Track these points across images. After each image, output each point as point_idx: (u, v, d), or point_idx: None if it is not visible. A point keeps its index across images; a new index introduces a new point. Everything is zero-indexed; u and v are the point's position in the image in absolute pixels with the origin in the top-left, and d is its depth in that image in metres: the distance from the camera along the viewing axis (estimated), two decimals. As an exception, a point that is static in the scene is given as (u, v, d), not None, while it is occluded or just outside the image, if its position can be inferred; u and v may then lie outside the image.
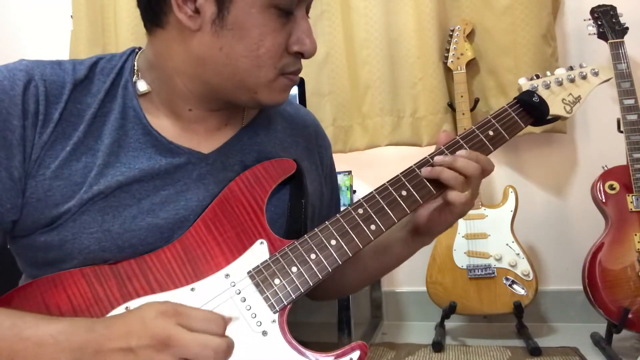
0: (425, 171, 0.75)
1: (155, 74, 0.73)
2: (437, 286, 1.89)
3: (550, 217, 2.09)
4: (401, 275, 2.23)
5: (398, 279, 2.24)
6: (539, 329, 1.98)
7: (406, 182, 0.75)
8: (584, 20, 1.87)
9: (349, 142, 2.18)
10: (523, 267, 1.81)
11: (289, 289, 0.67)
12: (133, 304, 0.64)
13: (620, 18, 1.81)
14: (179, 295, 0.65)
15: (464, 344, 1.86)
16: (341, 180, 1.92)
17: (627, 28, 1.79)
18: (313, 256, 0.69)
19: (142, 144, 0.71)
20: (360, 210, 0.73)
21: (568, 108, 0.85)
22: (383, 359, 1.76)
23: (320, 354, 0.65)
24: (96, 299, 0.64)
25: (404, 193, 0.74)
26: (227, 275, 0.68)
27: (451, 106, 2.04)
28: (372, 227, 0.72)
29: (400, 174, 0.76)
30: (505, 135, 0.81)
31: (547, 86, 0.85)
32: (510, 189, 1.92)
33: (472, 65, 2.05)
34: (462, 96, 1.96)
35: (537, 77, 0.87)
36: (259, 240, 0.70)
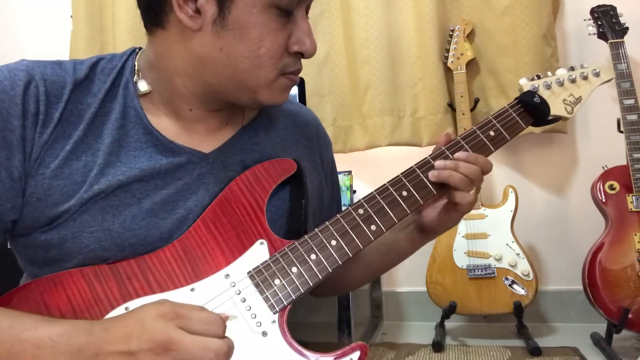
0: (433, 175, 0.76)
1: (155, 74, 0.73)
2: (437, 286, 1.89)
3: (550, 217, 2.09)
4: (401, 275, 2.23)
5: (398, 279, 2.24)
6: (539, 329, 1.98)
7: (407, 183, 0.75)
8: (584, 20, 1.87)
9: (349, 142, 2.18)
10: (523, 267, 1.81)
11: (289, 289, 0.67)
12: (133, 304, 0.64)
13: (620, 18, 1.81)
14: (179, 296, 0.65)
15: (464, 344, 1.86)
16: (341, 180, 1.92)
17: (627, 28, 1.79)
18: (313, 256, 0.69)
19: (143, 143, 0.71)
20: (361, 211, 0.73)
21: (569, 108, 0.85)
22: (383, 359, 1.76)
23: (320, 355, 0.65)
24: (96, 299, 0.64)
25: (404, 193, 0.74)
26: (227, 276, 0.68)
27: (451, 106, 2.04)
28: (373, 227, 0.72)
29: (401, 174, 0.76)
30: (506, 135, 0.81)
31: (548, 87, 0.85)
32: (510, 189, 1.92)
33: (472, 65, 2.05)
34: (462, 96, 1.96)
35: (538, 77, 0.87)
36: (259, 241, 0.70)
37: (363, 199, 0.74)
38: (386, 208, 0.73)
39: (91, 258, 0.66)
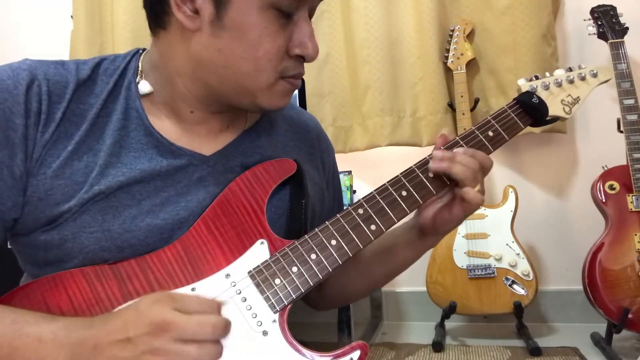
0: (432, 167, 0.75)
1: (158, 75, 0.74)
2: (437, 286, 1.89)
3: (550, 217, 2.09)
4: (401, 275, 2.21)
5: (398, 279, 2.23)
6: (539, 329, 1.98)
7: (406, 183, 0.75)
8: (584, 20, 1.87)
9: (349, 142, 2.18)
10: (523, 267, 1.81)
11: (289, 288, 0.67)
12: (133, 304, 0.64)
13: (620, 18, 1.81)
14: (180, 295, 0.66)
15: (464, 344, 1.86)
16: (341, 180, 1.91)
17: (627, 28, 1.79)
18: (313, 256, 0.69)
19: (144, 144, 0.71)
20: (361, 211, 0.73)
21: (567, 109, 0.86)
22: (383, 359, 1.76)
23: (320, 354, 0.65)
24: (97, 299, 0.64)
25: (404, 193, 0.74)
26: (227, 275, 0.68)
27: (451, 106, 2.04)
28: (373, 227, 0.72)
29: (401, 174, 0.76)
30: (505, 135, 0.81)
31: (547, 87, 0.86)
32: (510, 189, 1.92)
33: (472, 65, 2.05)
34: (462, 96, 1.96)
35: (537, 78, 0.87)
36: (260, 240, 0.71)
37: (363, 199, 0.74)
38: (386, 208, 0.73)
39: (91, 259, 0.66)
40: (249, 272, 0.68)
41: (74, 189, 0.67)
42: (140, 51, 0.78)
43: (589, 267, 1.66)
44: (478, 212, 1.89)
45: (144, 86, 0.73)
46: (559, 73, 0.88)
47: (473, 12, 2.06)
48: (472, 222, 1.89)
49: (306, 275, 0.68)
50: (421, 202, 0.75)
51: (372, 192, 0.74)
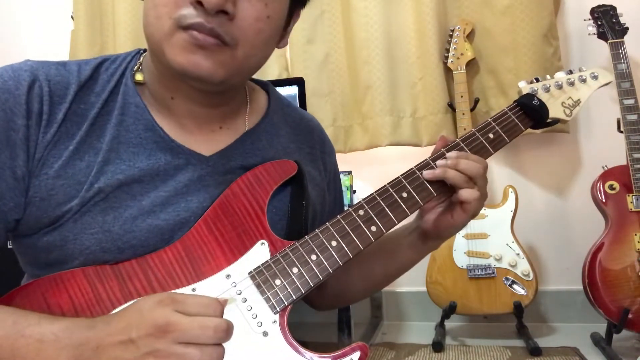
0: (428, 174, 0.75)
1: (149, 65, 0.74)
2: (437, 286, 1.89)
3: (550, 217, 2.09)
4: (401, 276, 2.23)
5: (398, 279, 2.24)
6: (539, 329, 1.98)
7: (407, 184, 0.75)
8: (584, 20, 1.87)
9: (349, 142, 2.18)
10: (523, 267, 1.81)
11: (289, 289, 0.67)
12: (134, 304, 0.64)
13: (620, 18, 1.81)
14: (180, 296, 0.66)
15: (464, 344, 1.86)
16: (341, 180, 1.91)
17: (627, 28, 1.79)
18: (314, 257, 0.69)
19: (143, 139, 0.71)
20: (361, 212, 0.73)
21: (567, 111, 0.86)
22: (383, 359, 1.76)
23: (321, 355, 0.65)
24: (97, 299, 0.64)
25: (404, 195, 0.75)
26: (228, 276, 0.68)
27: (451, 106, 2.04)
28: (373, 228, 0.72)
29: (401, 175, 0.76)
30: (506, 138, 0.81)
31: (547, 89, 0.86)
32: (510, 189, 1.92)
33: (472, 65, 2.05)
34: (462, 96, 1.96)
35: (537, 80, 0.87)
36: (260, 241, 0.71)
37: (363, 200, 0.74)
38: (386, 209, 0.73)
39: (92, 260, 0.66)
40: (249, 273, 0.68)
41: (75, 189, 0.67)
42: (142, 51, 0.78)
43: (589, 267, 1.66)
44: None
45: (138, 76, 0.74)
46: (560, 75, 0.88)
47: (473, 12, 2.07)
48: (472, 222, 1.88)
49: (307, 276, 0.68)
50: (422, 204, 0.75)
51: (372, 194, 0.74)
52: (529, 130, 0.86)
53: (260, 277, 0.68)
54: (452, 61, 2.02)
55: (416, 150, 2.10)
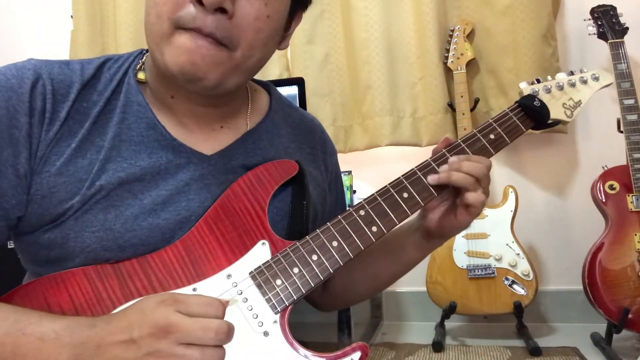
0: (432, 179, 0.75)
1: (151, 66, 0.74)
2: (437, 286, 1.89)
3: (550, 217, 2.09)
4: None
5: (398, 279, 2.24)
6: (539, 329, 1.98)
7: (408, 185, 0.75)
8: (584, 20, 1.87)
9: (349, 142, 2.18)
10: (523, 267, 1.81)
11: (290, 289, 0.67)
12: (135, 304, 0.64)
13: (620, 18, 1.81)
14: (181, 296, 0.66)
15: (464, 344, 1.86)
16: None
17: (627, 28, 1.79)
18: (315, 257, 0.69)
19: (144, 137, 0.71)
20: (362, 212, 0.73)
21: (568, 112, 0.86)
22: (383, 359, 1.76)
23: (321, 355, 0.65)
24: (98, 298, 0.64)
25: (405, 195, 0.75)
26: (229, 276, 0.68)
27: (451, 106, 2.04)
28: (374, 228, 0.72)
29: (402, 176, 0.76)
30: (507, 138, 0.81)
31: (548, 90, 0.86)
32: (510, 189, 1.92)
33: (472, 65, 2.05)
34: (462, 96, 1.96)
35: (538, 81, 0.87)
36: (261, 241, 0.71)
37: (364, 200, 0.74)
38: (387, 210, 0.73)
39: (93, 258, 0.67)
40: (250, 273, 0.68)
41: (77, 187, 0.67)
42: (144, 51, 0.78)
43: (589, 267, 1.66)
44: (478, 212, 1.89)
45: (141, 74, 0.74)
46: (561, 76, 0.88)
47: (473, 12, 2.06)
48: (472, 222, 1.89)
49: (307, 276, 0.68)
50: (422, 204, 0.75)
51: (373, 194, 0.75)
52: (530, 130, 0.86)
53: (261, 277, 0.68)
54: (452, 61, 2.02)
55: (416, 150, 2.10)
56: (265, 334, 0.65)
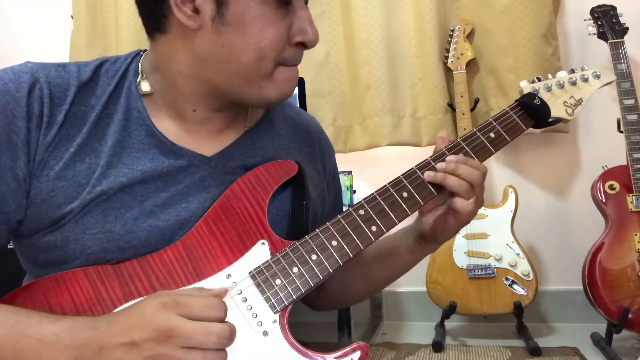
0: (429, 176, 0.75)
1: (159, 76, 0.74)
2: (437, 286, 1.89)
3: (550, 217, 2.09)
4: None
5: (398, 279, 2.24)
6: (539, 329, 1.98)
7: (407, 184, 0.75)
8: (584, 20, 1.87)
9: (349, 142, 2.18)
10: (523, 267, 1.81)
11: (289, 289, 0.67)
12: (135, 304, 0.64)
13: (620, 18, 1.81)
14: (181, 296, 0.65)
15: (464, 344, 1.86)
16: (341, 180, 1.91)
17: (627, 28, 1.79)
18: (314, 257, 0.69)
19: (146, 144, 0.71)
20: (361, 212, 0.73)
21: (569, 110, 0.86)
22: (383, 359, 1.76)
23: (321, 354, 0.65)
24: (98, 299, 0.64)
25: (404, 194, 0.75)
26: (228, 276, 0.68)
27: (451, 106, 2.04)
28: (373, 228, 0.72)
29: (401, 175, 0.76)
30: (507, 137, 0.81)
31: (549, 89, 0.86)
32: (510, 189, 1.92)
33: (472, 65, 2.05)
34: (462, 96, 1.96)
35: (539, 79, 0.87)
36: (261, 241, 0.71)
37: (364, 199, 0.74)
38: (387, 209, 0.73)
39: (93, 260, 0.67)
40: (249, 273, 0.68)
41: (76, 191, 0.67)
42: (141, 52, 0.78)
43: (589, 267, 1.66)
44: (478, 211, 1.89)
45: (145, 86, 0.74)
46: (562, 75, 0.88)
47: (473, 12, 2.06)
48: (472, 222, 1.86)
49: (307, 276, 0.68)
50: (422, 204, 0.75)
51: (373, 193, 0.74)
52: (530, 130, 0.86)
53: (261, 276, 0.68)
54: (452, 61, 2.02)
55: (416, 150, 2.10)
56: (265, 333, 0.65)
